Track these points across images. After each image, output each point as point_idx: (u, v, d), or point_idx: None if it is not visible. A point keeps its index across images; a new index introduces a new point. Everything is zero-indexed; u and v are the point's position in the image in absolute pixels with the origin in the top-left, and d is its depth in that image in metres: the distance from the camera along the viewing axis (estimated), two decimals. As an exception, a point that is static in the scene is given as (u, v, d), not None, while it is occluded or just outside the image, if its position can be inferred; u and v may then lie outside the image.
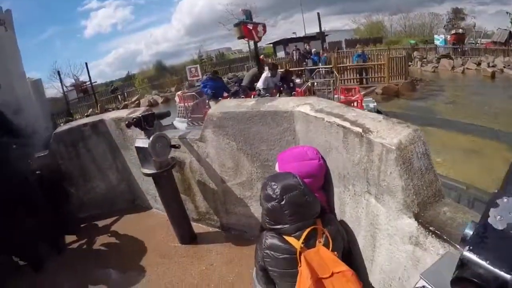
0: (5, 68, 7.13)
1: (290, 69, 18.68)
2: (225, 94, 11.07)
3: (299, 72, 17.16)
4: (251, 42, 13.85)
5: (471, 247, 0.74)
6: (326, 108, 2.37)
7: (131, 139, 3.97)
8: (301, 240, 1.81)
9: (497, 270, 0.68)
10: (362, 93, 13.79)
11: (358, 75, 19.57)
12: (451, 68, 27.00)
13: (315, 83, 13.98)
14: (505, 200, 0.81)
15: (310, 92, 12.08)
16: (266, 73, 10.45)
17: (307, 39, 20.31)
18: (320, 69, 17.02)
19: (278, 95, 10.01)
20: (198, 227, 3.93)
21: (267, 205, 1.88)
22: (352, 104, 10.97)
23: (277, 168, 2.41)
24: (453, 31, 32.77)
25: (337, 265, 1.79)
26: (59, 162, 4.40)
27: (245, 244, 3.58)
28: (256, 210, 3.40)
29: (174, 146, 3.30)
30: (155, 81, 31.77)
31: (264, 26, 12.87)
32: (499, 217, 0.78)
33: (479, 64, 26.20)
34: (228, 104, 3.20)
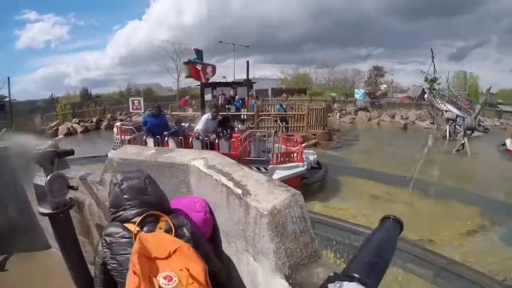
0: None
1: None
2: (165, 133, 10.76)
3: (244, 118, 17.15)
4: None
5: None
6: (218, 165, 2.42)
7: (35, 173, 3.79)
8: (137, 223, 1.79)
9: None
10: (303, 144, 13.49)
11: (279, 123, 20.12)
12: (368, 119, 28.83)
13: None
14: (338, 284, 0.89)
15: (251, 139, 11.75)
16: (207, 116, 10.23)
17: (235, 84, 20.66)
18: (243, 115, 17.27)
19: (216, 140, 10.02)
20: (96, 270, 3.74)
21: (110, 193, 1.94)
22: (292, 155, 11.15)
23: None
24: (367, 90, 35.56)
25: (174, 244, 1.69)
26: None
27: None
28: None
29: (72, 188, 3.17)
30: (78, 109, 30.46)
31: (214, 67, 12.64)
32: None
33: (393, 116, 28.34)
34: (129, 151, 3.14)
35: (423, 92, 28.95)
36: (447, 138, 21.07)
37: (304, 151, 12.21)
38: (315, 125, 20.26)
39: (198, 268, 1.62)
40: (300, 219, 1.84)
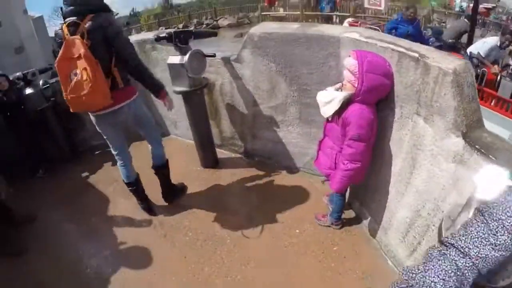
0: (8, 6, 7.11)
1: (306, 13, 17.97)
2: None
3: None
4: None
5: None
6: (376, 36, 2.58)
7: (155, 61, 4.13)
8: (65, 26, 2.57)
9: None
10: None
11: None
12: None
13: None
14: None
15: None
16: (494, 40, 7.87)
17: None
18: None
19: (498, 76, 7.29)
20: (220, 153, 4.18)
21: None
22: None
23: (352, 63, 2.29)
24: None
25: (81, 48, 2.47)
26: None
27: (266, 170, 3.88)
28: (285, 135, 3.67)
29: (210, 55, 3.42)
30: (162, 18, 30.82)
31: None
32: None
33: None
34: (272, 25, 3.34)
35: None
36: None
37: None
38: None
39: (91, 68, 2.47)
40: (472, 86, 1.96)
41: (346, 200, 3.28)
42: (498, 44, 7.75)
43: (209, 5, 32.01)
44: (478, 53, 7.52)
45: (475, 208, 1.20)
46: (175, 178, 3.64)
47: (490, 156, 1.74)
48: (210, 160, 4.01)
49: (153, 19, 30.18)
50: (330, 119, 2.54)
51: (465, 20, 11.18)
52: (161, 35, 3.31)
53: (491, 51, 7.68)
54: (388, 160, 2.60)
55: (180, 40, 3.29)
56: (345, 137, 2.45)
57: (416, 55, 2.11)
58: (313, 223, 3.19)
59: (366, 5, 17.03)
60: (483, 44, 7.80)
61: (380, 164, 2.71)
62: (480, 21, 29.30)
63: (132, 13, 36.82)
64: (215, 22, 26.42)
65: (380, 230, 2.87)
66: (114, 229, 3.39)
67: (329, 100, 2.39)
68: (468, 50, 7.96)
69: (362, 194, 3.14)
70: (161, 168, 3.39)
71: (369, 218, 3.07)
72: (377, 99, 2.41)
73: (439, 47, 8.02)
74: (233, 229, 3.21)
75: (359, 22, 11.80)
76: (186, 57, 3.20)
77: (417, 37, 7.96)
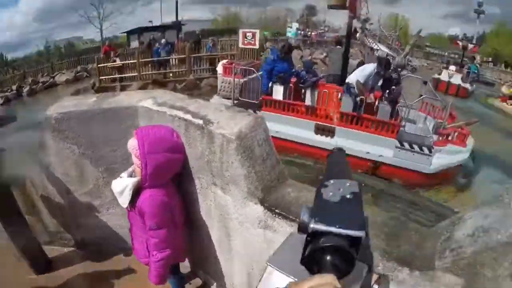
0: None
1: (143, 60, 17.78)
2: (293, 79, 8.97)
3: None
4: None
5: (317, 219, 0.84)
6: (169, 101, 2.42)
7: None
8: None
9: (349, 231, 0.80)
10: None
11: (210, 65, 19.56)
12: (300, 57, 29.36)
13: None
14: (332, 181, 0.98)
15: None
16: (372, 67, 8.22)
17: (162, 28, 19.95)
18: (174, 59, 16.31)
19: (376, 101, 8.21)
20: (52, 251, 3.62)
21: None
22: (454, 134, 8.80)
23: (133, 145, 2.01)
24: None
25: None
26: None
27: (103, 258, 3.49)
28: (109, 219, 3.33)
29: None
30: None
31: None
32: (331, 193, 0.93)
33: (326, 56, 29.28)
34: (67, 103, 2.98)
35: (355, 32, 30.12)
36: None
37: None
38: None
39: None
40: (265, 142, 1.89)
41: (190, 269, 3.11)
42: (376, 70, 8.18)
43: (47, 59, 30.04)
44: (358, 80, 7.96)
45: None
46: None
47: (291, 217, 1.67)
48: (41, 265, 3.41)
49: (-17, 81, 27.18)
50: (129, 208, 2.24)
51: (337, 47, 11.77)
52: None
53: (369, 77, 8.18)
54: (205, 230, 2.44)
55: None
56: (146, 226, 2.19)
57: (201, 122, 1.97)
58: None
59: (240, 45, 17.13)
60: (361, 72, 8.29)
61: (201, 234, 2.53)
62: (308, 42, 32.77)
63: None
64: (52, 79, 24.83)
65: (230, 294, 2.74)
66: None
67: (121, 190, 2.09)
68: (347, 80, 8.40)
69: (200, 262, 2.94)
70: None
71: (215, 284, 2.88)
72: (170, 176, 2.16)
73: (317, 81, 9.12)
74: None
75: (233, 64, 11.76)
76: None
77: (292, 71, 9.07)
